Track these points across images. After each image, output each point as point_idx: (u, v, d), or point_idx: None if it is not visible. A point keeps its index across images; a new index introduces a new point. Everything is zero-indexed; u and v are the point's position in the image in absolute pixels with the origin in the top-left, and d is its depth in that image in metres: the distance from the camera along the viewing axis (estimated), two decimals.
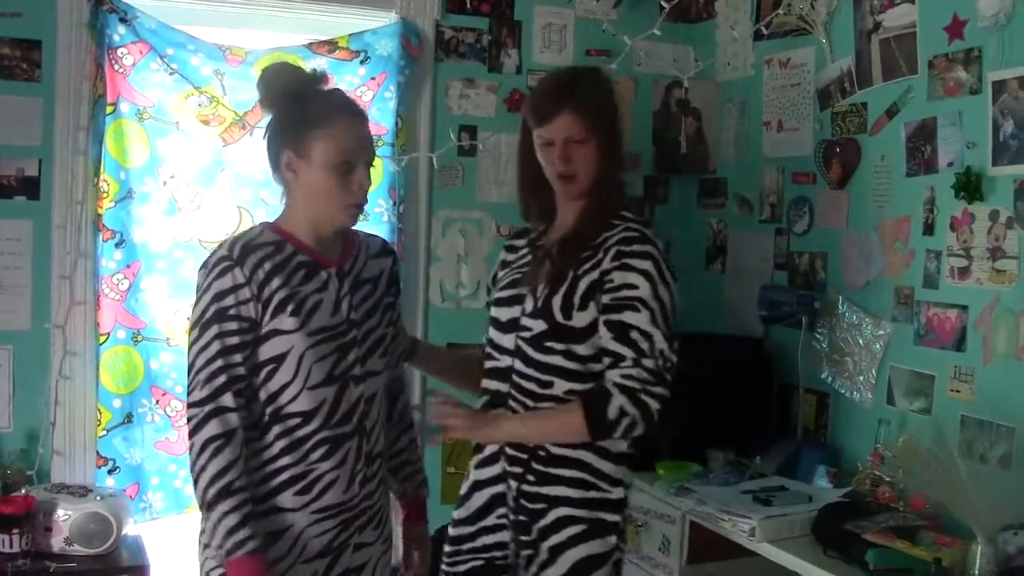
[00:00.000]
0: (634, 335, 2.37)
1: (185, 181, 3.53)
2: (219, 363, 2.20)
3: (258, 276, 2.22)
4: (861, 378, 3.35)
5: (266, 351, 2.24)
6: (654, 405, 2.35)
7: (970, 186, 2.92)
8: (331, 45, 3.66)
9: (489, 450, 2.54)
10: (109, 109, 3.42)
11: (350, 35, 3.69)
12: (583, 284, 2.43)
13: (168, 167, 3.51)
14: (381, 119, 3.71)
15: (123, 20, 3.40)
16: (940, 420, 3.01)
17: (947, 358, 3.03)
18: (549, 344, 2.45)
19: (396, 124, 3.76)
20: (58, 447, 3.47)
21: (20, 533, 3.04)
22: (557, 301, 2.44)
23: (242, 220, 3.55)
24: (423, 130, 3.89)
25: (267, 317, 2.23)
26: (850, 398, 3.39)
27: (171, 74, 3.46)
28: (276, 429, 2.26)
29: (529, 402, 2.48)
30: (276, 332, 2.24)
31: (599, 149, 2.46)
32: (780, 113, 3.78)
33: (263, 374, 2.25)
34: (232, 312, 2.21)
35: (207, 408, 2.18)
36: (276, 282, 2.24)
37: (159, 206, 3.51)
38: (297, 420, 2.27)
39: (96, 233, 3.44)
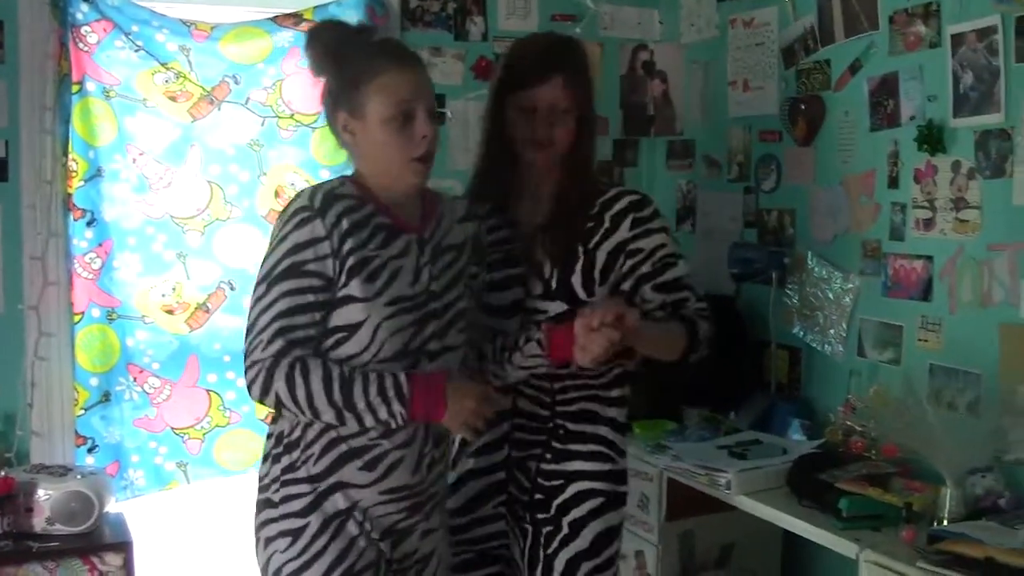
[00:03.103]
0: (682, 282, 2.49)
1: (154, 158, 3.51)
2: (280, 324, 2.07)
3: (340, 229, 2.09)
4: (832, 331, 3.40)
5: (339, 318, 2.12)
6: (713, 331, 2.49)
7: (932, 138, 2.96)
8: (296, 18, 3.64)
9: (489, 437, 2.48)
10: (75, 88, 3.39)
11: (315, 7, 3.67)
12: (600, 256, 2.44)
13: (137, 144, 3.49)
14: None
15: None
16: (909, 369, 3.07)
17: (914, 308, 3.08)
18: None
19: None
20: (36, 428, 3.46)
21: (1, 515, 3.04)
22: (577, 280, 2.43)
23: (213, 195, 3.55)
24: None
25: (344, 278, 2.10)
26: (821, 351, 3.44)
27: (136, 51, 3.44)
28: None
29: (546, 384, 2.48)
30: (351, 299, 2.11)
31: (579, 120, 2.43)
32: (745, 73, 3.80)
33: (331, 341, 2.13)
34: (308, 268, 2.08)
35: (267, 364, 2.06)
36: (356, 240, 2.10)
37: (129, 184, 3.50)
38: None
39: (67, 213, 3.43)
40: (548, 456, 2.49)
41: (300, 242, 2.08)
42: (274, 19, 3.63)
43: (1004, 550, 2.22)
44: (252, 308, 2.11)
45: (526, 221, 2.50)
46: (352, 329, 2.13)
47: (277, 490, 2.22)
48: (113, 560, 3.12)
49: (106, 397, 3.51)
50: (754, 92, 3.77)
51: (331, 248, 2.09)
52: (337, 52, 2.17)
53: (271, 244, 2.14)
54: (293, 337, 2.08)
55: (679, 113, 4.20)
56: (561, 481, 2.48)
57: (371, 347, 2.14)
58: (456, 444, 2.52)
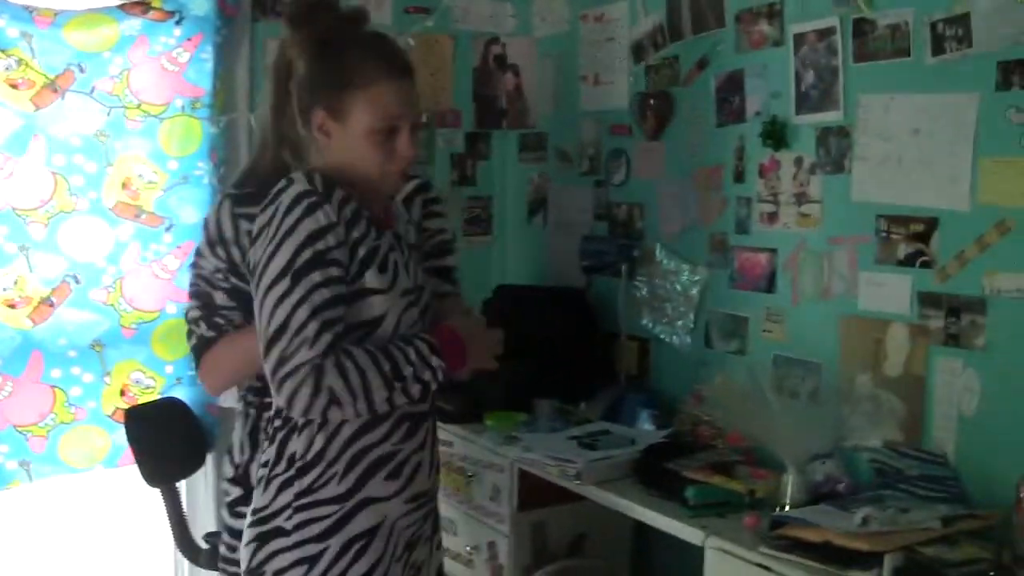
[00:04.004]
0: (455, 276, 2.52)
1: None
2: (323, 318, 1.92)
3: (344, 215, 1.97)
4: (680, 323, 3.46)
5: (358, 312, 2.00)
6: None
7: (776, 134, 3.04)
8: (144, 5, 3.52)
9: None
10: None
11: None
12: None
13: None
14: (198, 80, 3.61)
15: None
16: (754, 360, 3.15)
17: (759, 300, 3.16)
18: None
19: (214, 85, 3.67)
20: None
21: None
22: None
23: (58, 187, 3.42)
24: (242, 91, 3.79)
25: (356, 268, 1.99)
26: (670, 343, 3.50)
27: None
28: None
29: None
30: (368, 291, 2.00)
31: None
32: (596, 67, 3.84)
33: (351, 339, 1.99)
34: (333, 256, 1.94)
35: (316, 363, 1.90)
36: (359, 230, 2.00)
37: None
38: None
39: None
40: None
41: (317, 228, 1.94)
42: (121, 6, 3.50)
43: (841, 533, 2.28)
44: (277, 308, 1.92)
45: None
46: (374, 324, 2.02)
47: (290, 517, 2.05)
48: None
49: None
50: (605, 86, 3.81)
51: (341, 236, 1.97)
52: (326, 41, 2.04)
53: (275, 235, 1.95)
54: (338, 330, 1.95)
55: (532, 106, 4.22)
56: None
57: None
58: None
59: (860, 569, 2.23)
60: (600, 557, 3.41)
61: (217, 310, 2.37)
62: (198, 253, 2.42)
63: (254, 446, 2.44)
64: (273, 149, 2.32)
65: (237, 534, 2.29)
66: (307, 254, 1.93)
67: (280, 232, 1.94)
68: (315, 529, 2.04)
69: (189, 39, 3.62)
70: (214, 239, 2.37)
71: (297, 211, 1.94)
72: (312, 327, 1.91)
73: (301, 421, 2.04)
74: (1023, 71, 2.42)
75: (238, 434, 2.51)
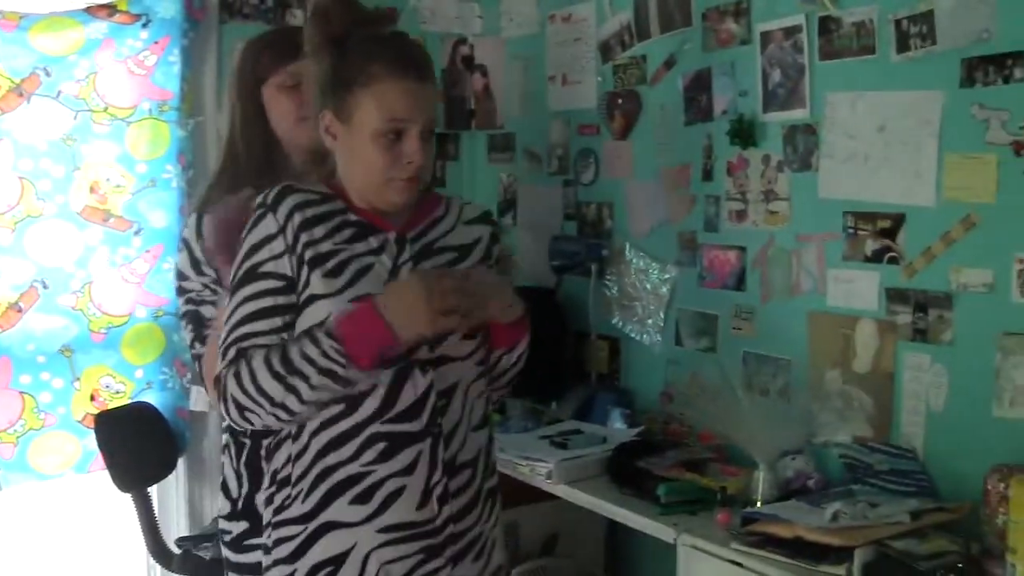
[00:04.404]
0: None
1: None
2: (237, 333, 1.89)
3: (293, 223, 1.89)
4: (650, 321, 3.47)
5: (306, 320, 1.89)
6: None
7: (743, 132, 3.05)
8: (111, 8, 3.50)
9: None
10: None
11: None
12: None
13: None
14: (166, 83, 3.60)
15: None
16: (724, 357, 3.16)
17: (729, 298, 3.17)
18: None
19: (182, 88, 3.66)
20: None
21: None
22: None
23: (24, 191, 3.39)
24: (210, 94, 3.78)
25: (304, 274, 1.89)
26: (640, 341, 3.50)
27: None
28: (314, 420, 1.92)
29: None
30: (313, 297, 1.89)
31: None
32: (564, 67, 3.84)
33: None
34: (265, 269, 1.89)
35: (222, 376, 1.89)
36: (314, 233, 1.90)
37: None
38: (338, 408, 1.90)
39: None
40: None
41: (255, 242, 1.91)
42: (87, 9, 3.47)
43: (812, 528, 2.30)
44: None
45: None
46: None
47: (269, 535, 2.01)
48: None
49: None
50: (573, 86, 3.81)
51: (285, 244, 1.89)
52: (340, 40, 1.93)
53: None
54: (249, 345, 1.89)
55: (500, 107, 4.22)
56: None
57: None
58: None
59: (831, 564, 2.25)
60: (573, 556, 3.42)
61: (205, 324, 2.26)
62: (181, 276, 2.31)
63: (253, 476, 2.24)
64: (246, 159, 2.32)
65: (249, 568, 2.23)
66: (244, 267, 1.93)
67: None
68: (284, 551, 1.98)
69: (156, 42, 3.60)
70: (197, 258, 2.27)
71: (249, 224, 1.94)
72: (227, 342, 1.91)
73: (283, 434, 1.98)
74: (986, 68, 2.44)
75: (231, 466, 2.33)
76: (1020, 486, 2.13)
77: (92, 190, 3.48)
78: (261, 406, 1.86)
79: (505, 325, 2.06)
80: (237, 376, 1.87)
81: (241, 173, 2.30)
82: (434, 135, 1.96)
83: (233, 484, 2.32)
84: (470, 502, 2.01)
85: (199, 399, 3.49)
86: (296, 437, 1.96)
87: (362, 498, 1.91)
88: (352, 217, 1.96)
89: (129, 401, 3.51)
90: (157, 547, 3.22)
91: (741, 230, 3.12)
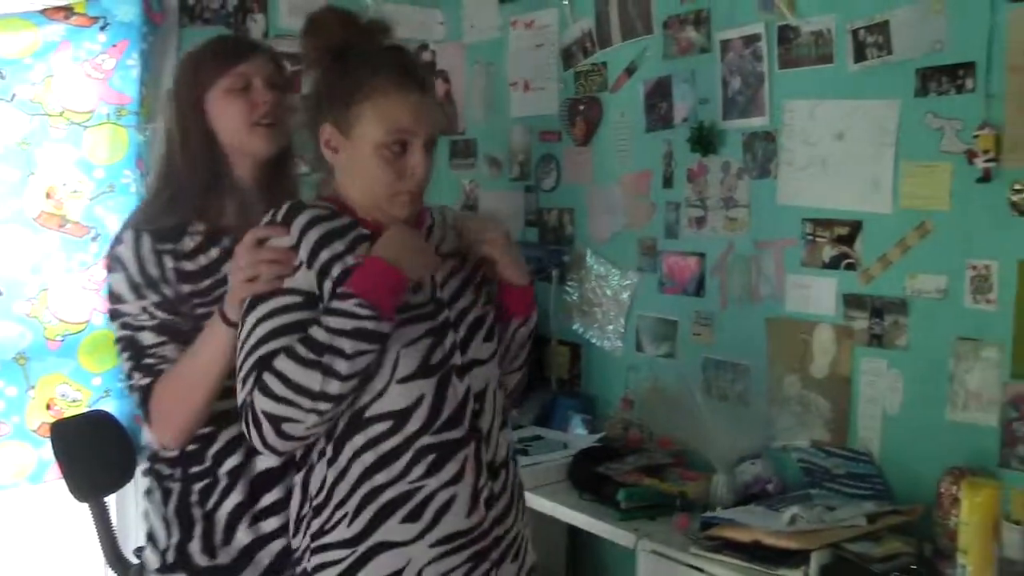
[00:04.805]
0: None
1: None
2: (259, 354, 1.79)
3: (308, 238, 1.84)
4: (610, 327, 3.48)
5: None
6: None
7: (703, 140, 3.08)
8: (67, 11, 3.46)
9: None
10: None
11: (87, 0, 3.53)
12: None
13: None
14: (124, 88, 3.57)
15: None
16: (683, 363, 3.18)
17: (688, 304, 3.19)
18: None
19: (141, 93, 3.63)
20: None
21: None
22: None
23: None
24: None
25: (327, 287, 1.83)
26: (601, 347, 3.52)
27: None
28: (358, 440, 1.85)
29: None
30: None
31: None
32: (526, 73, 3.85)
33: None
34: (280, 286, 1.84)
35: (244, 404, 1.80)
36: (335, 247, 1.85)
37: None
38: (386, 425, 1.85)
39: None
40: None
41: None
42: (43, 11, 3.43)
43: (770, 533, 2.32)
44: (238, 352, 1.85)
45: None
46: None
47: (309, 559, 1.91)
48: None
49: None
50: (535, 92, 3.82)
51: (300, 259, 1.84)
52: (338, 51, 1.90)
53: None
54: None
55: (462, 113, 4.22)
56: None
57: (384, 366, 1.84)
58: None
59: (789, 567, 2.27)
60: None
61: (144, 352, 2.06)
62: (115, 299, 2.09)
63: (184, 523, 2.10)
64: (187, 177, 2.15)
65: None
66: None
67: None
68: (330, 574, 1.89)
69: (114, 45, 3.56)
70: (137, 280, 2.07)
71: None
72: (248, 365, 1.81)
73: (315, 456, 1.90)
74: (940, 78, 2.48)
75: (157, 513, 2.14)
76: (971, 488, 2.16)
77: (48, 195, 3.44)
78: (299, 406, 1.77)
79: (517, 289, 2.06)
80: (264, 389, 1.78)
81: (184, 192, 2.14)
82: (435, 147, 1.92)
83: (161, 534, 2.13)
84: (509, 502, 2.01)
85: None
86: (333, 460, 1.89)
87: (413, 516, 1.87)
88: (364, 231, 1.90)
89: (86, 409, 3.48)
90: (115, 557, 3.18)
91: (701, 236, 3.14)
